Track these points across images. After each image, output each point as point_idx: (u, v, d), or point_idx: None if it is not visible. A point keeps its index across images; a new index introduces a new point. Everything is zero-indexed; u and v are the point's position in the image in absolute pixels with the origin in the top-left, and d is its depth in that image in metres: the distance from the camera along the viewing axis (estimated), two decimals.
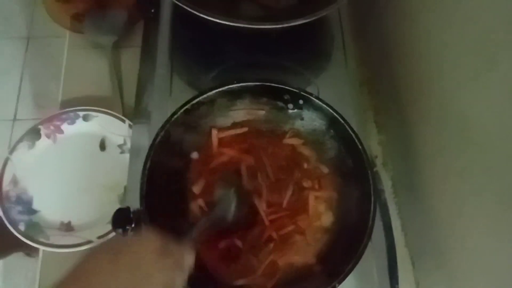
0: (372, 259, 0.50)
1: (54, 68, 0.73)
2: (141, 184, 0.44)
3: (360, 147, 0.48)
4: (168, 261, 0.35)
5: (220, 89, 0.49)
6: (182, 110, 0.47)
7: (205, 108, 0.50)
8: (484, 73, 0.41)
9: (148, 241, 0.35)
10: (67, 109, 0.67)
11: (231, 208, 0.45)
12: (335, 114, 0.50)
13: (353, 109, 0.61)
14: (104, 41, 0.73)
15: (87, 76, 0.72)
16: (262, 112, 0.52)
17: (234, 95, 0.50)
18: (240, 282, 0.45)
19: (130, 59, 0.73)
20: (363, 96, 0.70)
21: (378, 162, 0.69)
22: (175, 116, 0.47)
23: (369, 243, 0.45)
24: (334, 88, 0.62)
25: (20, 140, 0.64)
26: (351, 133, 0.49)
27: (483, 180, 0.44)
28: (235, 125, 0.52)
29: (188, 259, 0.37)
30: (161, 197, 0.47)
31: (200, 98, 0.48)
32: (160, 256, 0.34)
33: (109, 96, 0.70)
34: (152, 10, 0.65)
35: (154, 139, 0.46)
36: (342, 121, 0.49)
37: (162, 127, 0.47)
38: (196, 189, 0.49)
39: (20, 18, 0.77)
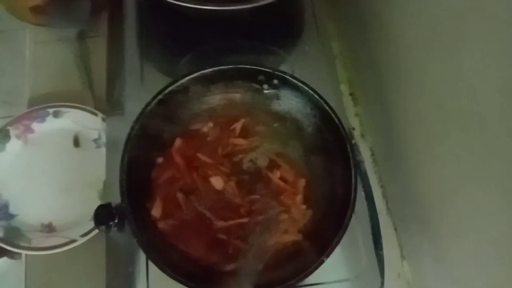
0: (356, 228, 0.52)
1: (16, 64, 0.70)
2: (121, 180, 0.43)
3: (337, 122, 0.49)
4: None
5: (193, 76, 0.48)
6: (155, 101, 0.46)
7: (179, 96, 0.49)
8: (455, 42, 0.42)
9: None
10: (36, 107, 0.65)
11: None
12: (310, 91, 0.50)
13: (328, 83, 0.62)
14: (69, 33, 0.70)
15: (54, 70, 0.70)
16: (238, 95, 0.52)
17: (208, 81, 0.49)
18: (231, 267, 0.45)
19: (98, 49, 0.70)
20: (337, 70, 0.70)
21: (356, 133, 0.70)
22: (149, 108, 0.46)
23: (353, 214, 0.47)
24: (308, 64, 0.61)
25: None
26: (327, 108, 0.49)
27: (462, 143, 0.45)
28: (210, 111, 0.51)
29: None
30: (143, 191, 0.46)
31: (173, 86, 0.47)
32: None
33: (79, 89, 0.68)
34: None
35: (129, 133, 0.45)
36: (318, 97, 0.49)
37: (136, 120, 0.45)
38: (156, 212, 0.47)
39: None
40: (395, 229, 0.63)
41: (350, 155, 0.48)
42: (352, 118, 0.70)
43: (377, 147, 0.68)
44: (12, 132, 0.63)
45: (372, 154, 0.68)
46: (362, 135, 0.70)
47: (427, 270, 0.57)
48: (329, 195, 0.49)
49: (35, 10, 0.70)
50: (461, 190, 0.47)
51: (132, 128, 0.45)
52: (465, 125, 0.43)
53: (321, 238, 0.46)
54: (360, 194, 0.51)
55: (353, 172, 0.47)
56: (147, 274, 0.50)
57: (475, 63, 0.39)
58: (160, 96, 0.47)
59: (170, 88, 0.47)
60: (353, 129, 0.69)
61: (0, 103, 0.67)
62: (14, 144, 0.63)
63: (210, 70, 0.48)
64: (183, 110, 0.50)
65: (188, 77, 0.48)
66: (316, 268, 0.42)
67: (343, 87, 0.71)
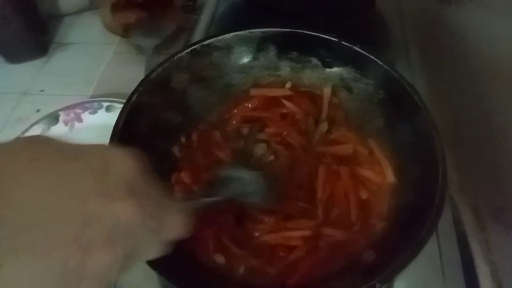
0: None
1: (94, 66, 0.72)
2: (118, 119, 0.34)
3: (421, 105, 0.34)
4: (134, 200, 0.20)
5: (239, 33, 0.40)
6: (188, 50, 0.38)
7: (219, 55, 0.40)
8: None
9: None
10: (92, 99, 0.63)
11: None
12: (386, 67, 0.37)
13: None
14: (147, 44, 0.71)
15: (122, 77, 0.69)
16: (289, 71, 0.41)
17: (256, 45, 0.40)
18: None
19: None
20: None
21: None
22: (179, 55, 0.38)
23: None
24: None
25: (35, 123, 0.60)
26: (408, 88, 0.35)
27: None
28: (256, 86, 0.41)
29: (174, 221, 0.23)
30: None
31: (213, 39, 0.39)
32: (123, 187, 0.20)
33: None
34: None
35: (148, 75, 0.37)
36: (396, 76, 0.36)
37: (160, 64, 0.38)
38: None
39: None
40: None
41: (438, 150, 0.32)
42: None
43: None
44: (62, 117, 0.61)
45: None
46: None
47: None
48: (403, 201, 0.32)
49: (127, 26, 0.74)
50: None
51: (152, 71, 0.37)
52: None
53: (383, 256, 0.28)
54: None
55: (441, 169, 0.30)
56: None
57: None
58: (195, 46, 0.38)
59: (210, 40, 0.39)
60: None
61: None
62: (59, 128, 0.60)
63: (260, 30, 0.39)
64: (221, 75, 0.41)
65: (233, 33, 0.39)
66: None
67: None
